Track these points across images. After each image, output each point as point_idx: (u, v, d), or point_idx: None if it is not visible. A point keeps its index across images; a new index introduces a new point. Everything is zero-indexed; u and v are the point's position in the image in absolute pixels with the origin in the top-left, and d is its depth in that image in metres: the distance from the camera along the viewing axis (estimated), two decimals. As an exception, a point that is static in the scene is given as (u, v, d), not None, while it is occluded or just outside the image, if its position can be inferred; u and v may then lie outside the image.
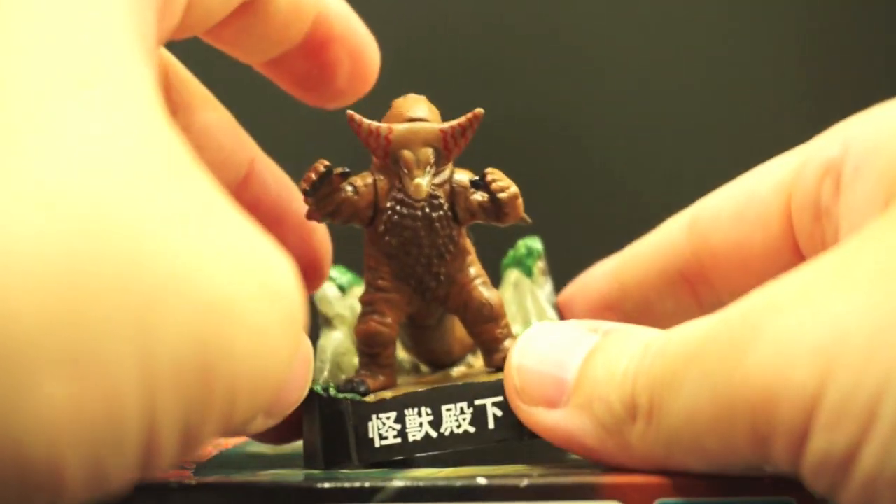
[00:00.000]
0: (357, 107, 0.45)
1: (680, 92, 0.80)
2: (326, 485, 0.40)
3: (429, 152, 0.44)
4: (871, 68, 0.79)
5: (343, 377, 0.48)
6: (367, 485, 0.39)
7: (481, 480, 0.39)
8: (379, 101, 0.76)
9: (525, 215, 0.46)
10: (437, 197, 0.44)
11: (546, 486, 0.39)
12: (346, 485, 0.40)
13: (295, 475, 0.41)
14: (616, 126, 0.80)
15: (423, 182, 0.43)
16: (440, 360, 0.50)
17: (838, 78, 0.79)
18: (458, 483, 0.39)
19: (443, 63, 0.79)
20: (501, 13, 0.80)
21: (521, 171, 0.46)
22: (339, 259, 0.54)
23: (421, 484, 0.39)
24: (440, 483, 0.39)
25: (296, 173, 0.75)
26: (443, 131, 0.44)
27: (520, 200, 0.45)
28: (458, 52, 0.80)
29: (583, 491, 0.39)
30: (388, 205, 0.45)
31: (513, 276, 0.52)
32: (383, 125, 0.44)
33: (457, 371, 0.49)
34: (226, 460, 0.46)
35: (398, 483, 0.39)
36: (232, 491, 0.40)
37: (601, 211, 0.80)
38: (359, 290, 0.48)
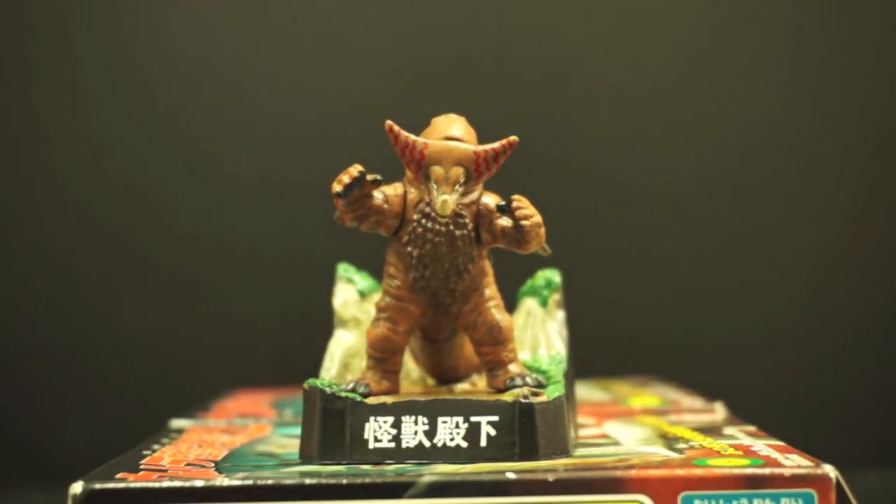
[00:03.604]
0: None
1: (706, 123, 0.82)
2: (358, 481, 0.40)
3: (459, 171, 0.45)
4: (867, 69, 0.81)
5: (349, 378, 0.48)
6: (398, 480, 0.40)
7: (510, 475, 0.40)
8: (379, 103, 0.78)
9: (546, 245, 0.47)
10: (462, 216, 0.45)
11: (573, 481, 0.40)
12: (379, 480, 0.40)
13: (321, 472, 0.42)
14: (634, 154, 0.81)
15: (450, 199, 0.44)
16: (445, 376, 0.51)
17: (837, 81, 0.81)
18: (488, 477, 0.40)
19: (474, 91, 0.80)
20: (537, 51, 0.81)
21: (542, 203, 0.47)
22: (362, 265, 0.54)
23: (451, 479, 0.40)
24: (470, 478, 0.40)
25: (309, 173, 0.77)
26: (476, 153, 0.45)
27: (542, 230, 0.46)
28: (484, 83, 0.81)
29: (609, 485, 0.40)
30: (415, 217, 0.46)
31: (528, 304, 0.53)
32: (419, 139, 0.45)
33: (459, 388, 0.50)
34: (239, 459, 0.46)
35: (428, 478, 0.40)
36: (263, 490, 0.40)
37: (619, 242, 0.82)
38: (377, 296, 0.49)
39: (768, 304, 0.81)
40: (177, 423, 0.57)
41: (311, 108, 0.81)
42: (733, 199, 0.81)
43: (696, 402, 0.61)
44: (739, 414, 0.57)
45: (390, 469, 0.42)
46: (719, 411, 0.57)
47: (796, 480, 0.40)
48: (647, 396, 0.64)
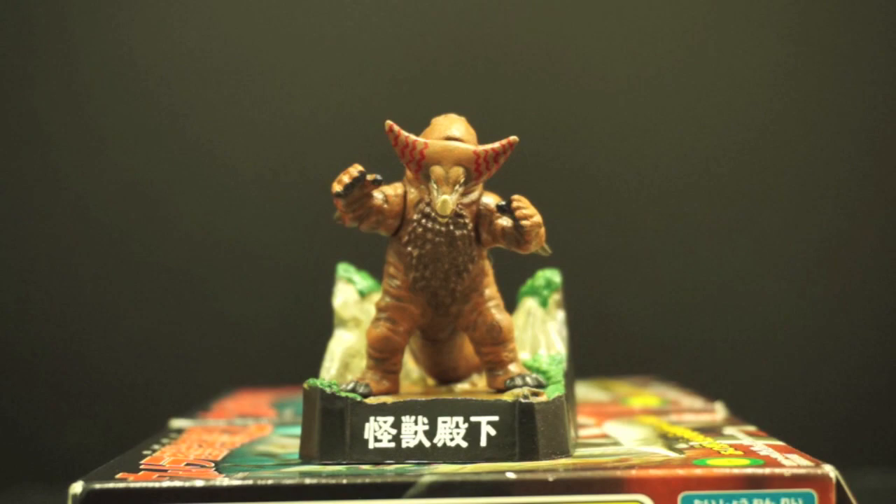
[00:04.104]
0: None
1: (704, 125, 0.82)
2: (358, 481, 0.40)
3: (459, 171, 0.44)
4: (868, 68, 0.81)
5: (350, 377, 0.48)
6: (398, 480, 0.40)
7: (510, 475, 0.40)
8: (379, 103, 0.78)
9: (546, 245, 0.47)
10: (462, 216, 0.45)
11: (573, 481, 0.40)
12: (379, 480, 0.40)
13: (321, 472, 0.42)
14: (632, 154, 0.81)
15: (450, 199, 0.44)
16: (445, 375, 0.51)
17: (838, 80, 0.81)
18: (488, 477, 0.40)
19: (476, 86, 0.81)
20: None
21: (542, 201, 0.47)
22: (362, 265, 0.54)
23: (451, 479, 0.40)
24: (470, 478, 0.40)
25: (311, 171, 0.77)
26: (476, 153, 0.45)
27: (542, 230, 0.46)
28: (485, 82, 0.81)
29: (609, 485, 0.40)
30: (415, 217, 0.46)
31: (528, 303, 0.53)
32: (419, 139, 0.45)
33: (459, 388, 0.50)
34: (239, 459, 0.46)
35: (428, 478, 0.40)
36: (263, 490, 0.40)
37: (618, 241, 0.82)
38: (377, 296, 0.49)
39: (769, 304, 0.81)
40: (177, 422, 0.57)
41: (311, 107, 0.81)
42: (734, 200, 0.81)
43: (695, 402, 0.61)
44: (740, 414, 0.57)
45: (390, 469, 0.42)
46: (719, 411, 0.57)
47: (796, 480, 0.40)
48: (646, 396, 0.64)
